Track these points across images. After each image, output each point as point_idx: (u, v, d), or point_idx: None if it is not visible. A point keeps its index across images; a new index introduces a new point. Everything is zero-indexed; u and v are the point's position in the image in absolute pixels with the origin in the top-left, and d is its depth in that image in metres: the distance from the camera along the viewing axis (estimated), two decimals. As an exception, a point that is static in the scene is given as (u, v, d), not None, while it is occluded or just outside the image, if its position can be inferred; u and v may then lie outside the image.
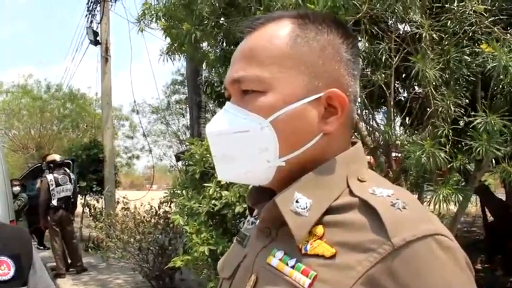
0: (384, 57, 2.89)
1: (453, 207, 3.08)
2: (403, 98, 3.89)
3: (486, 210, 7.49)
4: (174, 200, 4.49)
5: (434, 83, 2.60)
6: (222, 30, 4.08)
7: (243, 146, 0.70)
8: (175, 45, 4.19)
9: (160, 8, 4.13)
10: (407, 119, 3.54)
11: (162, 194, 5.87)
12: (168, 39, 4.21)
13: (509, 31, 2.94)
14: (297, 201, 0.67)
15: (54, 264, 7.24)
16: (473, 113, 2.55)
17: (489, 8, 2.66)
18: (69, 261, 7.47)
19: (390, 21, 3.13)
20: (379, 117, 3.86)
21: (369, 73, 3.03)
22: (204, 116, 8.06)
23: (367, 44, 3.00)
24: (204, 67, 6.81)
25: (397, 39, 2.92)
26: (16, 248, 1.29)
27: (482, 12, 2.59)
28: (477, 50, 2.66)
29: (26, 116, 18.35)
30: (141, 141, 17.78)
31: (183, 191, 3.92)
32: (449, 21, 2.72)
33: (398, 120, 3.64)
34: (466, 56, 2.70)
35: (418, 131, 3.11)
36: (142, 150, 17.64)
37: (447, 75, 2.73)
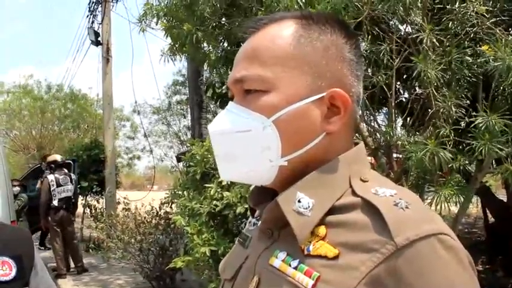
0: (385, 58, 2.88)
1: (454, 208, 3.07)
2: (404, 99, 3.89)
3: (487, 211, 7.48)
4: (175, 200, 4.49)
5: (435, 84, 2.60)
6: (223, 31, 4.08)
7: (246, 145, 0.70)
8: (177, 45, 4.19)
9: (162, 8, 4.13)
10: (408, 119, 3.54)
11: (163, 194, 5.87)
12: (169, 40, 4.22)
13: (511, 32, 2.93)
14: (299, 201, 0.67)
15: (55, 264, 7.25)
16: (474, 113, 2.55)
17: (491, 9, 2.65)
18: (71, 262, 7.48)
19: (391, 22, 3.13)
20: (380, 118, 3.87)
21: (370, 74, 3.03)
22: (205, 117, 8.06)
23: (368, 45, 3.00)
24: (205, 68, 6.80)
25: (399, 40, 2.92)
26: (18, 248, 1.29)
27: (484, 13, 2.59)
28: (478, 50, 2.65)
29: (27, 116, 18.37)
30: (142, 142, 17.78)
31: (184, 192, 3.92)
32: (450, 23, 2.72)
33: (399, 121, 3.64)
34: (467, 57, 2.70)
35: (419, 131, 3.11)
36: (143, 151, 17.65)
37: (448, 76, 2.73)
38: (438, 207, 2.60)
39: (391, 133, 2.96)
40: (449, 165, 2.61)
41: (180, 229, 4.76)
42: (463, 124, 2.93)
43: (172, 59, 4.44)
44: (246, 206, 3.25)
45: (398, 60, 2.89)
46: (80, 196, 9.27)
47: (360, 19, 2.68)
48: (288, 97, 0.68)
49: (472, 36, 2.75)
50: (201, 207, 3.58)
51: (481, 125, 2.41)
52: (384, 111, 3.97)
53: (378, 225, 0.60)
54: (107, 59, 10.19)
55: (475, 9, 2.59)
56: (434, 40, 2.61)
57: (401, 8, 2.67)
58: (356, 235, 0.61)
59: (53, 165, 7.51)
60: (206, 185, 3.65)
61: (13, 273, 1.23)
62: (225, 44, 4.40)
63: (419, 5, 2.68)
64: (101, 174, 10.07)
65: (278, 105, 0.68)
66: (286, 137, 0.69)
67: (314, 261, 0.63)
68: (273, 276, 0.66)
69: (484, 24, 2.65)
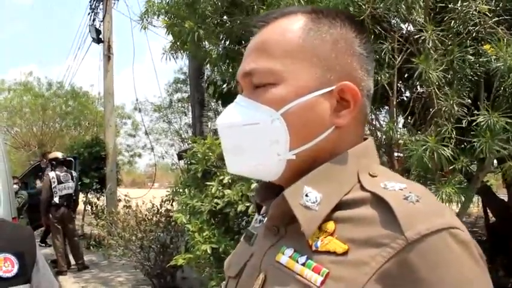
0: (386, 57, 2.88)
1: (455, 208, 3.07)
2: (405, 98, 3.88)
3: (488, 210, 7.47)
4: (176, 198, 4.49)
5: (437, 83, 2.60)
6: (224, 29, 4.07)
7: (254, 138, 0.69)
8: (178, 43, 4.19)
9: (163, 5, 4.13)
10: (410, 118, 3.53)
11: (163, 192, 5.88)
12: (171, 37, 4.22)
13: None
14: (306, 195, 0.66)
15: (55, 257, 7.26)
16: (475, 112, 2.55)
17: (493, 8, 2.65)
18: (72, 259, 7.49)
19: (393, 21, 3.13)
20: (382, 116, 3.86)
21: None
22: (206, 115, 8.06)
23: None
24: (206, 65, 6.80)
25: (400, 39, 2.91)
26: (20, 245, 1.29)
27: (486, 12, 2.58)
28: (480, 50, 2.65)
29: (28, 113, 18.40)
30: (143, 140, 17.86)
31: (185, 190, 3.93)
32: (452, 21, 2.71)
33: (401, 120, 3.64)
34: (469, 56, 2.69)
35: (420, 130, 3.11)
36: (144, 149, 17.73)
37: (450, 76, 2.73)
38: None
39: (393, 132, 2.96)
40: (452, 166, 2.61)
41: (181, 227, 4.77)
42: (464, 123, 2.92)
43: (173, 57, 4.44)
44: (247, 204, 3.25)
45: (400, 59, 2.89)
46: (81, 193, 9.28)
47: (361, 18, 2.67)
48: (297, 89, 0.68)
49: (474, 35, 2.75)
50: (202, 205, 3.58)
51: (482, 123, 2.41)
52: (385, 110, 3.96)
53: (387, 220, 0.59)
54: (108, 56, 10.19)
55: (477, 8, 2.58)
56: (436, 40, 2.61)
57: (403, 6, 2.67)
58: (365, 230, 0.60)
59: (54, 163, 7.52)
60: (207, 183, 3.65)
61: (15, 269, 1.24)
62: (227, 42, 4.40)
63: (421, 3, 2.68)
64: (102, 171, 10.08)
65: (287, 97, 0.68)
66: (294, 130, 0.68)
67: (322, 257, 0.61)
68: (279, 273, 0.65)
69: (486, 23, 2.64)
